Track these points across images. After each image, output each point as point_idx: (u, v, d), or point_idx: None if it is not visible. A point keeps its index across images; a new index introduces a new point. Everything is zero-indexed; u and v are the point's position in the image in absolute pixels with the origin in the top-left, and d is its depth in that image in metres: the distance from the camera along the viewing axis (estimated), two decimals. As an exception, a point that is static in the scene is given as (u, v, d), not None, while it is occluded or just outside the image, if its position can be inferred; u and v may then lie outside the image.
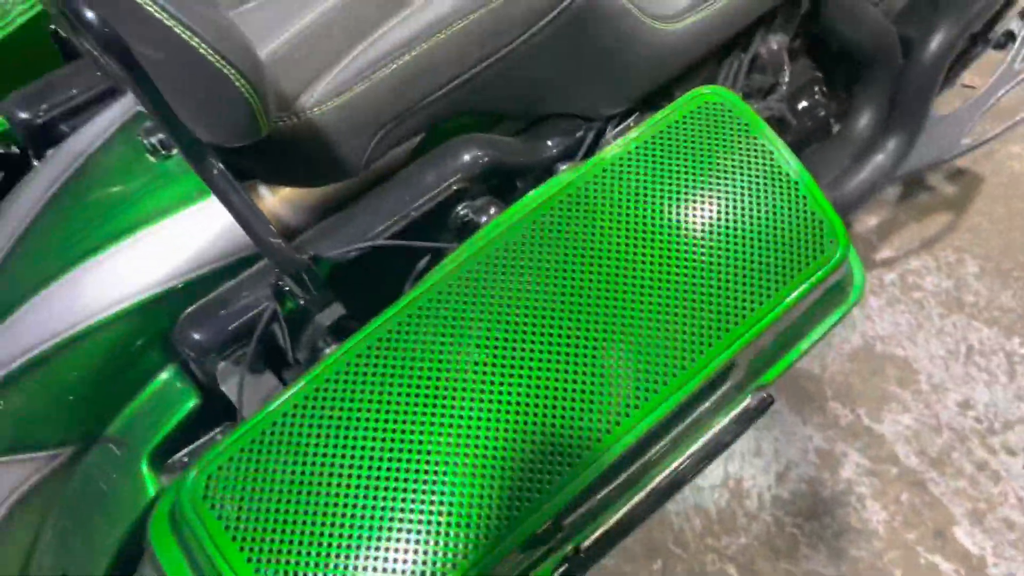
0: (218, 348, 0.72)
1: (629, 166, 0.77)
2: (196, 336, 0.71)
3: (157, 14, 0.50)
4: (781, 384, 1.53)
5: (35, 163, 0.89)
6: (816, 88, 1.30)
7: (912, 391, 1.53)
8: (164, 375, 0.79)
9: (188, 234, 0.74)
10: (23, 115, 0.80)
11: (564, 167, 0.89)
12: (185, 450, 0.79)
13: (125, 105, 0.76)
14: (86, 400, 0.77)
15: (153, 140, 0.72)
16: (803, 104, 1.29)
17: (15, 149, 0.90)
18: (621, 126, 0.94)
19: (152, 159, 0.74)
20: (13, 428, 0.76)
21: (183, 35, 0.51)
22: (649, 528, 1.39)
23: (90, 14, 0.53)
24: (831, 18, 1.19)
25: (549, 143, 0.89)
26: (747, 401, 0.81)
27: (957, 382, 1.54)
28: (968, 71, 1.65)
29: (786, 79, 1.13)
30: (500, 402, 0.68)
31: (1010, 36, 1.53)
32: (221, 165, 0.65)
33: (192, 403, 0.78)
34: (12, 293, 0.75)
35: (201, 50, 0.52)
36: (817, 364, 1.55)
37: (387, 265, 0.81)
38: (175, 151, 0.74)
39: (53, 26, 0.83)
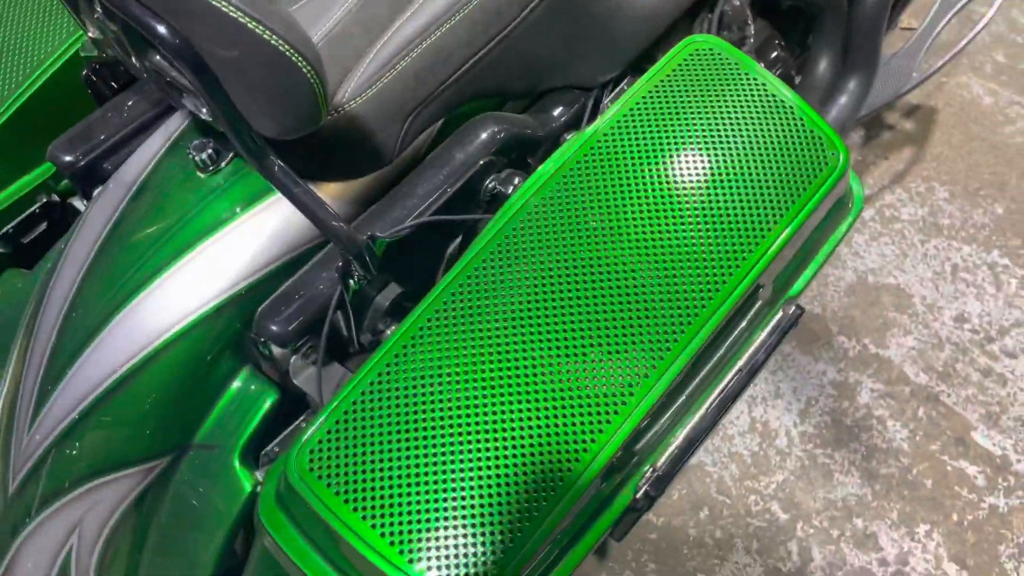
0: (296, 336, 0.77)
1: (637, 116, 0.84)
2: (274, 328, 0.76)
3: (232, 13, 0.56)
4: (791, 334, 1.60)
5: (83, 204, 0.94)
6: (776, 43, 1.39)
7: (909, 314, 1.61)
8: (240, 378, 0.84)
9: (246, 239, 0.80)
10: (67, 159, 0.85)
11: (570, 135, 0.96)
12: (274, 442, 0.83)
13: (169, 129, 0.82)
14: (172, 411, 0.81)
15: (203, 156, 0.77)
16: (767, 59, 1.37)
17: (55, 198, 0.95)
18: (616, 90, 1.01)
19: (202, 175, 0.79)
20: (109, 447, 0.80)
21: (256, 30, 0.57)
22: (690, 482, 1.45)
23: (162, 27, 0.58)
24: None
25: (555, 114, 0.96)
26: (779, 315, 0.88)
27: (949, 299, 1.63)
28: (906, 14, 1.76)
29: (752, 33, 1.22)
30: (557, 343, 0.74)
31: (942, -24, 1.64)
32: (280, 161, 0.70)
33: (272, 399, 0.83)
34: (90, 322, 0.79)
35: (273, 42, 0.58)
36: (818, 304, 1.62)
37: (429, 244, 0.87)
38: (224, 164, 0.79)
39: (85, 71, 0.89)
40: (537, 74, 0.94)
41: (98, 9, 0.63)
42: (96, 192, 0.86)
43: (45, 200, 0.92)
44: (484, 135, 0.86)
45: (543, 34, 0.88)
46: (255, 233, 0.80)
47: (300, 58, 0.60)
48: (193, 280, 0.80)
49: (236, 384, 0.84)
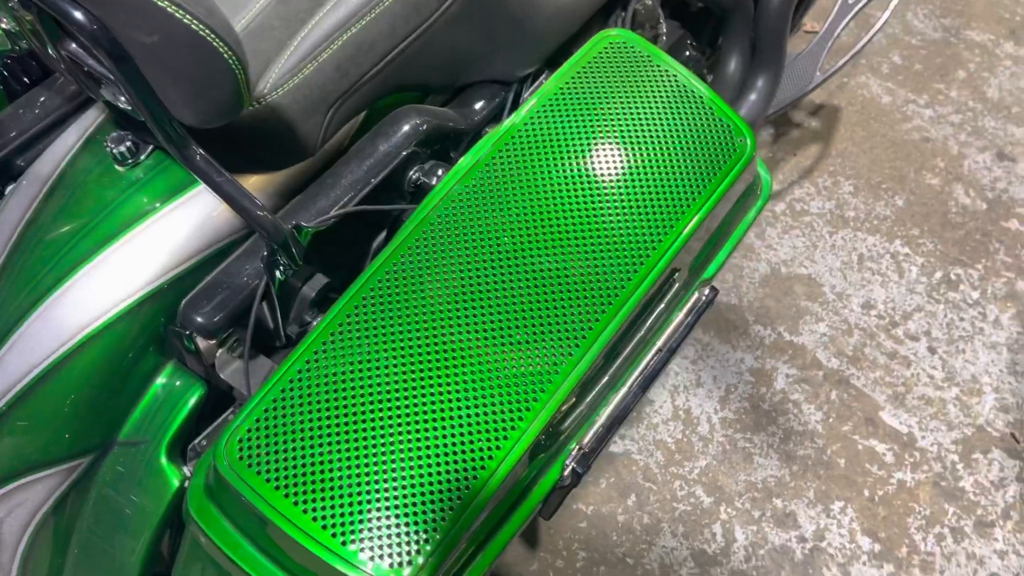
0: (222, 327, 0.77)
1: (553, 108, 0.86)
2: (200, 319, 0.76)
3: (158, 0, 0.56)
4: (708, 320, 1.66)
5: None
6: (688, 43, 1.44)
7: (820, 302, 1.69)
8: (165, 374, 0.83)
9: (167, 232, 0.79)
10: None
11: (491, 128, 0.98)
12: (201, 436, 0.83)
13: (84, 123, 0.80)
14: (93, 410, 0.80)
15: (122, 148, 0.77)
16: (680, 58, 1.42)
17: None
18: (535, 84, 1.04)
19: (121, 168, 0.78)
20: (29, 446, 0.78)
21: (176, 14, 0.57)
22: (617, 470, 1.48)
23: (78, 13, 0.58)
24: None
25: (476, 108, 0.98)
26: (695, 296, 0.92)
27: (856, 287, 1.71)
28: (808, 16, 1.84)
29: (664, 31, 1.26)
30: (480, 329, 0.76)
31: (840, -23, 1.73)
32: (202, 150, 0.70)
33: (198, 394, 0.82)
34: (4, 323, 0.78)
35: (194, 26, 0.58)
36: (734, 295, 1.69)
37: (355, 235, 0.88)
38: (143, 157, 0.78)
39: None
40: (457, 68, 0.96)
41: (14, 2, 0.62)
42: (8, 189, 0.84)
43: None
44: (407, 127, 0.88)
45: (462, 28, 0.90)
46: (177, 226, 0.79)
47: (221, 43, 0.61)
48: (113, 275, 0.79)
49: (160, 380, 0.83)
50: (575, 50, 1.07)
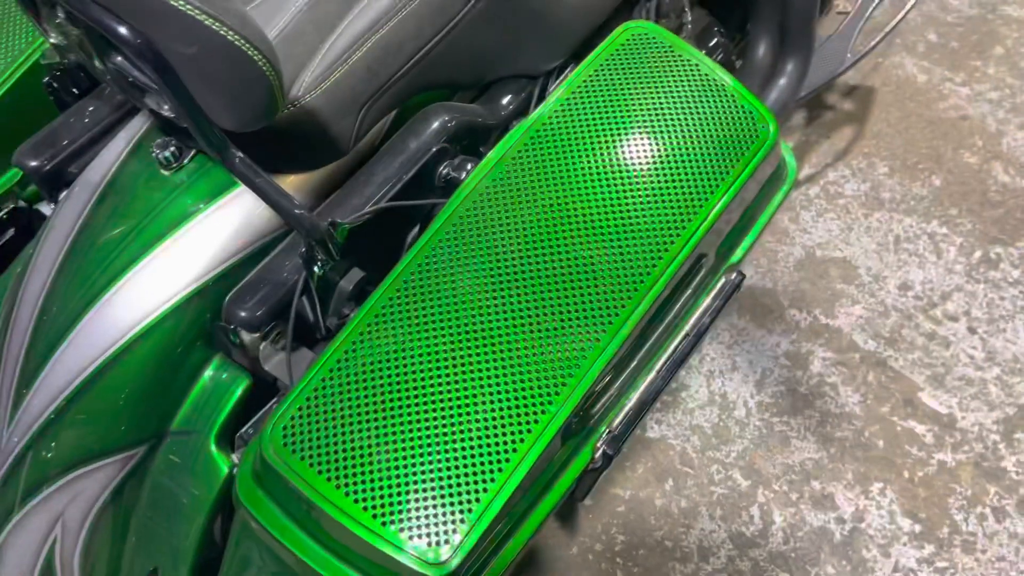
0: (265, 321, 0.81)
1: (579, 100, 0.89)
2: (243, 314, 0.80)
3: (190, 11, 0.60)
4: (743, 304, 1.66)
5: (49, 209, 0.96)
6: (715, 30, 1.45)
7: (856, 285, 1.68)
8: (212, 367, 0.87)
9: (211, 232, 0.83)
10: (33, 164, 0.87)
11: (519, 122, 1.01)
12: (247, 425, 0.87)
13: (131, 131, 0.85)
14: (146, 402, 0.84)
15: (166, 154, 0.81)
16: (707, 46, 1.43)
17: (22, 204, 0.97)
18: (560, 77, 1.06)
19: (166, 172, 0.82)
20: (88, 437, 0.83)
21: (213, 26, 0.61)
22: (654, 455, 1.50)
23: (123, 28, 0.62)
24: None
25: (503, 102, 1.01)
26: (722, 281, 0.93)
27: (892, 269, 1.70)
28: (840, -3, 1.83)
29: (689, 20, 1.27)
30: (511, 316, 0.78)
31: (867, -43, 1.72)
32: (241, 153, 0.74)
33: (244, 385, 0.86)
34: (62, 322, 0.82)
35: (230, 37, 0.62)
36: (769, 279, 1.69)
37: (389, 230, 0.91)
38: (186, 161, 0.82)
39: (47, 79, 0.91)
40: (484, 64, 0.98)
41: (60, 15, 0.66)
42: (62, 195, 0.88)
43: (12, 207, 0.95)
44: (436, 123, 0.91)
45: (487, 26, 0.92)
46: (219, 226, 0.83)
47: (255, 51, 0.64)
48: (161, 274, 0.83)
49: (208, 373, 0.88)
50: (600, 41, 1.09)
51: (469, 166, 0.92)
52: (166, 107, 0.72)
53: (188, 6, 0.59)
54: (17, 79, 0.92)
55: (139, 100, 0.75)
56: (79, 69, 0.90)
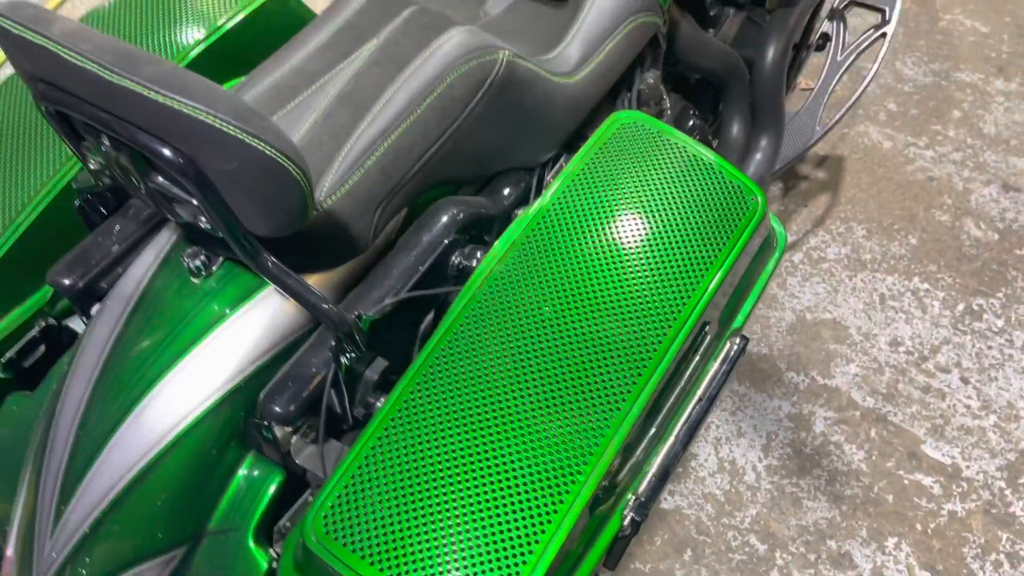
0: (298, 415, 0.84)
1: (577, 188, 0.95)
2: (278, 409, 0.83)
3: (233, 132, 0.65)
4: (742, 370, 1.71)
5: (78, 324, 1.00)
6: (691, 113, 1.54)
7: (848, 344, 1.74)
8: (246, 464, 0.90)
9: (241, 335, 0.87)
10: (67, 282, 0.92)
11: (520, 211, 1.07)
12: (284, 517, 0.89)
13: (159, 244, 0.89)
14: (184, 505, 0.87)
15: (197, 262, 0.85)
16: (685, 128, 1.52)
17: (52, 321, 1.01)
18: (555, 167, 1.13)
19: (196, 280, 0.87)
20: (127, 545, 0.84)
21: (253, 143, 0.66)
22: (670, 526, 1.52)
23: (167, 150, 0.67)
24: (684, 53, 1.43)
25: (505, 194, 1.07)
26: (727, 346, 0.98)
27: (881, 326, 1.76)
28: (802, 75, 1.95)
29: (667, 106, 1.36)
30: (533, 395, 0.82)
31: (826, 38, 1.84)
32: (273, 258, 0.79)
33: (278, 479, 0.89)
34: (100, 433, 0.85)
35: (268, 152, 0.67)
36: (764, 345, 1.74)
37: (406, 319, 0.95)
38: (215, 268, 0.87)
39: (79, 202, 0.96)
40: (485, 160, 1.05)
41: (106, 143, 0.72)
42: (95, 309, 0.92)
43: (44, 324, 0.99)
44: (445, 217, 0.96)
45: (486, 126, 0.99)
46: (248, 328, 0.87)
47: (290, 163, 0.69)
48: (194, 380, 0.86)
49: (242, 471, 0.90)
50: (589, 132, 1.16)
51: (479, 254, 0.98)
52: (203, 219, 0.77)
53: (230, 127, 0.65)
54: (50, 203, 0.97)
55: (174, 213, 0.80)
56: (108, 191, 0.95)
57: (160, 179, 0.75)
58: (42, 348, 1.00)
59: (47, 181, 0.98)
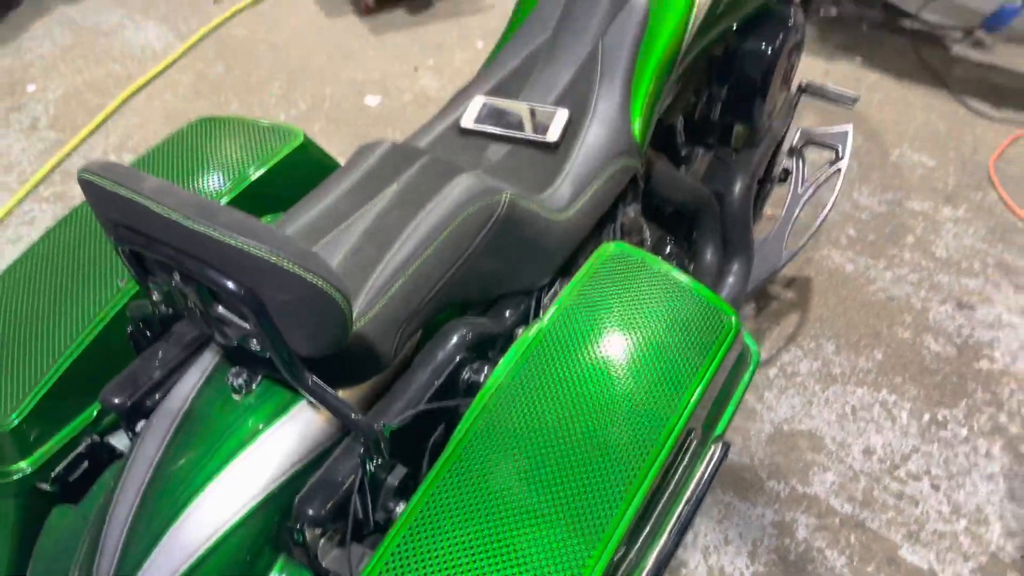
0: (330, 519, 0.93)
1: (573, 311, 1.07)
2: (311, 512, 0.92)
3: (291, 268, 0.77)
4: (727, 480, 1.80)
5: (120, 441, 1.09)
6: (668, 241, 1.69)
7: (824, 453, 1.84)
8: (277, 567, 0.97)
9: (275, 447, 0.96)
10: (118, 401, 1.01)
11: (521, 330, 1.19)
12: (317, 620, 0.96)
13: (203, 365, 1.00)
14: (225, 606, 0.94)
15: (239, 381, 0.96)
16: (663, 255, 1.67)
17: (97, 438, 1.10)
18: (551, 291, 1.26)
19: (237, 397, 0.97)
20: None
21: (308, 277, 0.78)
22: (664, 634, 1.57)
23: (231, 284, 0.79)
24: (660, 189, 1.60)
25: (507, 315, 1.19)
26: (711, 451, 1.09)
27: (854, 436, 1.87)
28: (768, 205, 2.13)
29: (647, 236, 1.51)
30: (539, 496, 0.92)
31: (787, 172, 2.03)
32: (314, 376, 0.90)
33: None
34: (145, 544, 0.92)
35: (320, 284, 0.79)
36: (746, 456, 1.84)
37: (423, 428, 1.05)
38: (254, 386, 0.97)
39: (131, 329, 1.07)
40: (490, 285, 1.18)
41: (177, 278, 0.84)
42: (142, 425, 1.02)
43: (89, 441, 1.07)
44: (456, 337, 1.08)
45: (491, 256, 1.13)
46: (284, 439, 0.97)
47: (339, 295, 0.81)
48: (235, 488, 0.95)
49: (276, 570, 0.98)
50: (579, 259, 1.30)
51: (486, 370, 1.09)
52: (255, 341, 0.88)
53: (292, 265, 0.77)
54: (101, 331, 1.08)
55: (226, 337, 0.91)
56: (159, 318, 1.06)
57: (220, 308, 0.87)
58: (85, 464, 1.09)
59: (98, 312, 1.09)
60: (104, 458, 1.11)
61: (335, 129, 2.70)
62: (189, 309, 0.89)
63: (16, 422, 1.04)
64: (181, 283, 0.85)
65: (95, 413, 1.10)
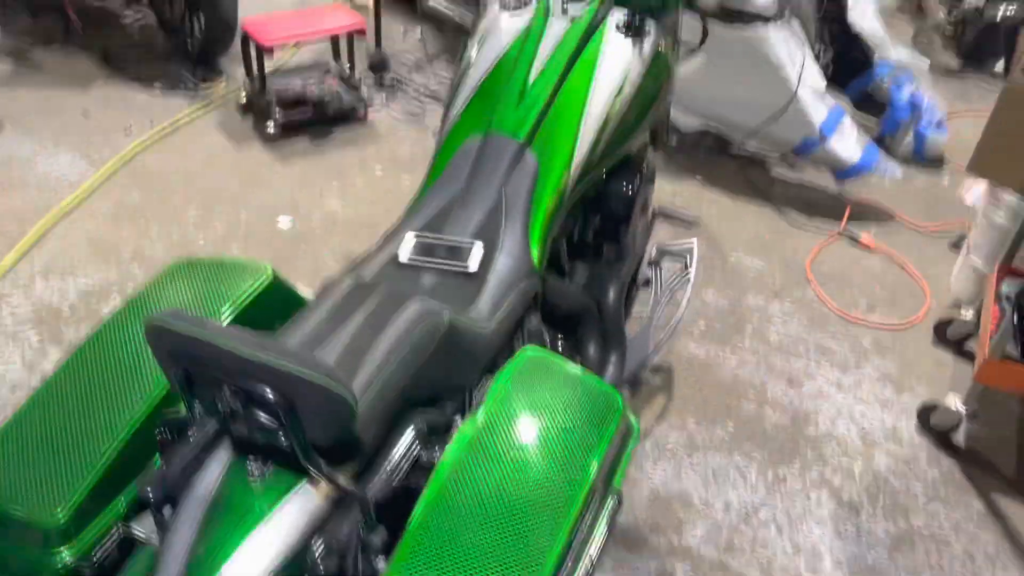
0: (337, 572, 1.21)
1: (505, 402, 1.42)
2: (323, 569, 1.20)
3: (321, 382, 1.08)
4: (618, 540, 2.16)
5: (141, 529, 1.33)
6: (559, 340, 2.09)
7: (694, 511, 2.24)
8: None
9: (284, 521, 1.24)
10: (151, 491, 1.25)
11: (459, 418, 1.53)
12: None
13: (222, 459, 1.26)
14: None
15: (257, 469, 1.23)
16: (556, 351, 2.06)
17: (124, 525, 1.34)
18: (480, 386, 1.61)
19: (255, 482, 1.25)
20: None
21: (333, 388, 1.09)
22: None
23: (271, 393, 1.09)
24: (552, 299, 1.99)
25: (448, 407, 1.53)
26: (610, 501, 1.45)
27: (715, 494, 2.29)
28: (636, 305, 2.58)
29: (547, 338, 1.90)
30: (490, 548, 1.24)
31: (648, 280, 2.50)
32: (323, 461, 1.20)
33: None
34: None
35: (343, 393, 1.10)
36: (631, 517, 2.21)
37: (396, 498, 1.36)
38: (267, 472, 1.26)
39: (159, 433, 1.33)
40: (436, 383, 1.52)
41: (226, 392, 1.13)
42: (170, 513, 1.27)
43: (120, 527, 1.31)
44: (414, 427, 1.41)
45: (438, 362, 1.47)
46: (293, 514, 1.25)
47: (352, 399, 1.13)
48: (257, 557, 1.22)
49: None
50: (498, 359, 1.66)
51: (437, 450, 1.42)
52: (280, 436, 1.17)
53: (322, 377, 1.09)
54: (132, 434, 1.33)
55: (255, 434, 1.20)
56: (187, 421, 1.33)
57: (257, 412, 1.17)
58: (115, 550, 1.33)
59: (127, 420, 1.35)
60: (128, 542, 1.35)
61: (252, 250, 2.99)
62: (229, 415, 1.19)
63: (62, 518, 1.27)
64: (229, 396, 1.15)
65: (124, 502, 1.34)
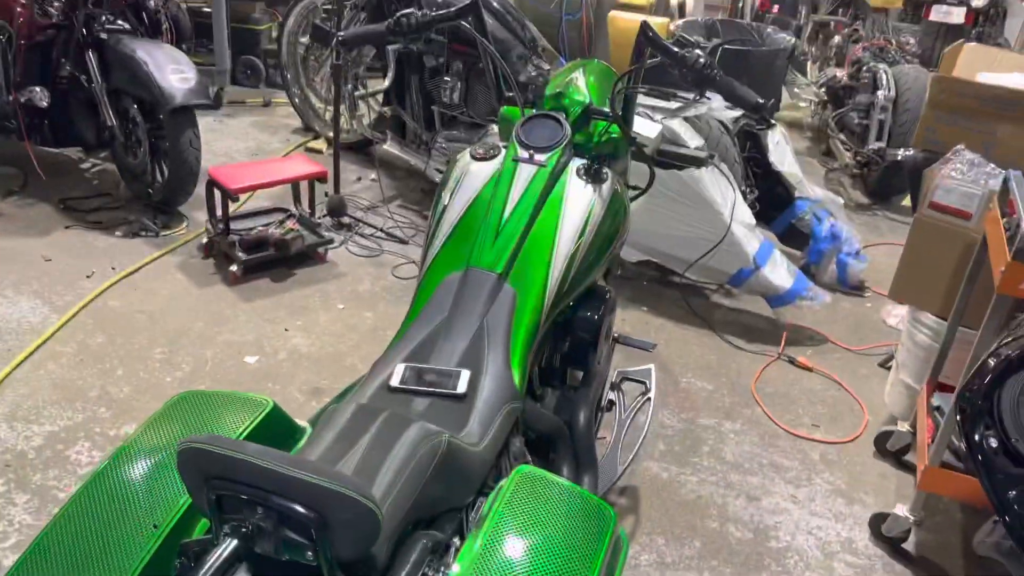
0: None
1: (508, 518, 1.51)
2: None
3: (357, 496, 1.15)
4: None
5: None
6: (529, 460, 2.18)
7: (671, 627, 2.30)
8: None
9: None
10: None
11: (457, 539, 1.60)
12: None
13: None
14: None
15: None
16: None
17: None
18: (475, 504, 1.69)
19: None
20: None
21: (365, 502, 1.17)
22: None
23: (305, 510, 1.17)
24: (529, 422, 2.10)
25: (447, 527, 1.60)
26: (608, 605, 1.52)
27: (691, 610, 2.35)
28: (602, 430, 2.70)
29: (529, 458, 2.00)
30: None
31: (612, 403, 2.63)
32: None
33: None
34: None
35: (372, 508, 1.18)
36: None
37: None
38: None
39: (178, 564, 1.37)
40: (436, 503, 1.59)
41: (259, 511, 1.19)
42: None
43: None
44: (421, 546, 1.47)
45: (437, 481, 1.56)
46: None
47: (380, 512, 1.21)
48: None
49: None
50: (488, 480, 1.75)
51: (442, 570, 1.48)
52: (308, 553, 1.23)
53: (356, 494, 1.17)
54: (146, 565, 1.36)
55: (279, 552, 1.26)
56: (210, 545, 1.37)
57: (286, 530, 1.23)
58: None
59: (140, 553, 1.39)
60: None
61: (221, 387, 3.03)
62: (255, 534, 1.25)
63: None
64: (262, 514, 1.22)
65: None
